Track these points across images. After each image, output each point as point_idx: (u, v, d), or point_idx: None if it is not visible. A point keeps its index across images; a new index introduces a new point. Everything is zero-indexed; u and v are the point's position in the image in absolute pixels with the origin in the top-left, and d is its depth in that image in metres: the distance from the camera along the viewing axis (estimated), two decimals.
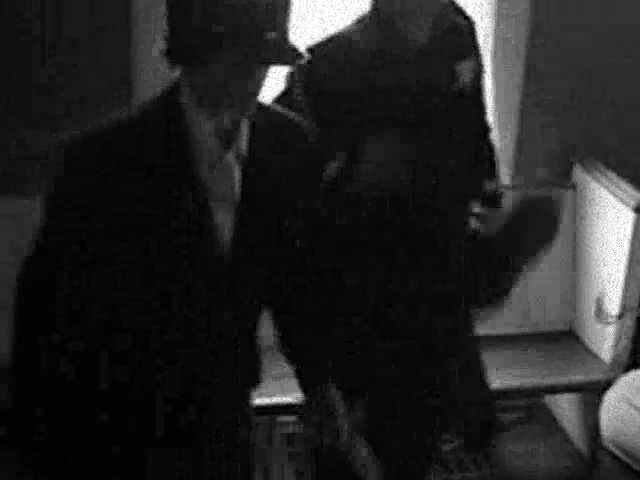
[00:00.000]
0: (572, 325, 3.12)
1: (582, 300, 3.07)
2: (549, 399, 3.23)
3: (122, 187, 1.62)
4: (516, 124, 3.06)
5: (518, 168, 3.10)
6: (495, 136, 3.01)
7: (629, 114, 3.15)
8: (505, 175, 3.07)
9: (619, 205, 2.87)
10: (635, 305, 2.88)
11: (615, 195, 2.91)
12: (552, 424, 3.20)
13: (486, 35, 2.94)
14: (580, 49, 3.04)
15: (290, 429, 2.89)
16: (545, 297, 3.08)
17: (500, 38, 2.97)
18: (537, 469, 3.03)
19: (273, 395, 2.46)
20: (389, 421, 2.08)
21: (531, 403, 3.22)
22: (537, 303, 3.06)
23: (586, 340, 3.06)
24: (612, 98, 3.12)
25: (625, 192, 2.89)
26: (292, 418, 2.63)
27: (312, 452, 2.20)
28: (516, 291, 3.01)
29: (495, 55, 2.98)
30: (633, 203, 2.82)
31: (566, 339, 3.04)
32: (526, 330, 3.01)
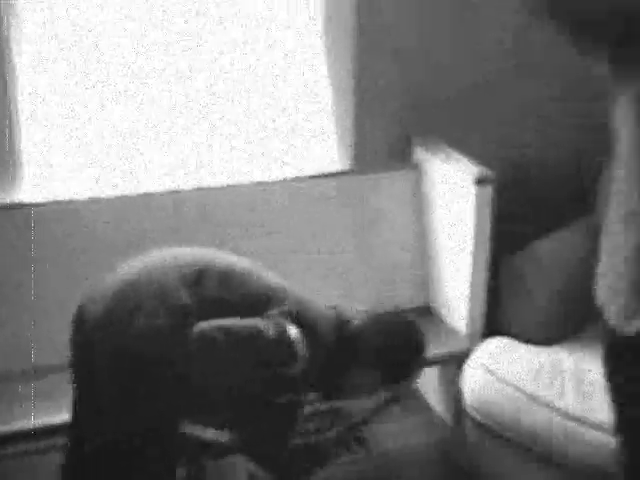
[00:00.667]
0: (427, 301, 3.19)
1: (436, 275, 3.14)
2: None
3: None
4: (352, 108, 3.08)
5: (358, 152, 3.14)
6: (333, 122, 3.06)
7: (461, 93, 3.23)
8: (346, 160, 3.12)
9: (461, 179, 2.94)
10: (483, 274, 2.96)
11: (456, 170, 2.98)
12: (419, 400, 3.26)
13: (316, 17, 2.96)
14: (406, 34, 3.11)
15: None
16: (396, 277, 3.14)
17: (330, 21, 2.99)
18: (410, 445, 3.08)
19: None
20: None
21: None
22: (389, 283, 3.11)
23: (442, 314, 3.13)
24: (444, 79, 3.20)
25: (465, 167, 2.97)
26: None
27: None
28: (368, 274, 3.07)
29: (327, 38, 3.00)
30: (473, 176, 2.90)
31: (423, 314, 3.09)
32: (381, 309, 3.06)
